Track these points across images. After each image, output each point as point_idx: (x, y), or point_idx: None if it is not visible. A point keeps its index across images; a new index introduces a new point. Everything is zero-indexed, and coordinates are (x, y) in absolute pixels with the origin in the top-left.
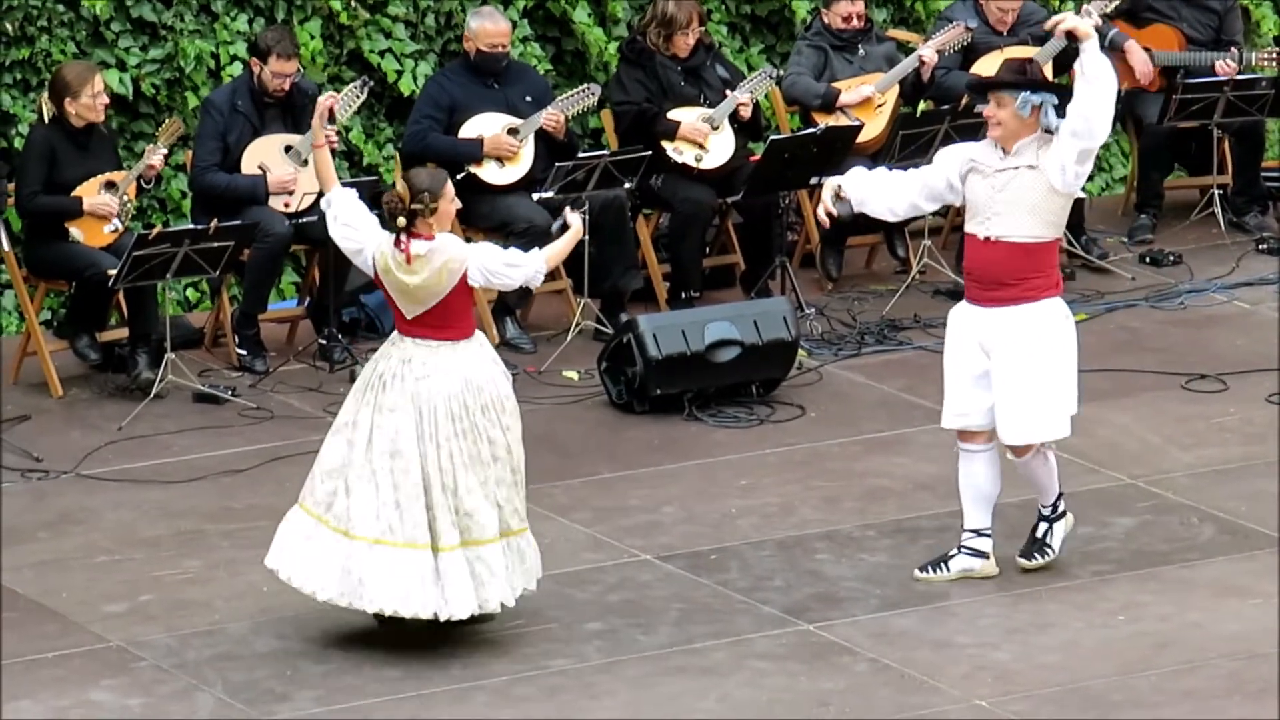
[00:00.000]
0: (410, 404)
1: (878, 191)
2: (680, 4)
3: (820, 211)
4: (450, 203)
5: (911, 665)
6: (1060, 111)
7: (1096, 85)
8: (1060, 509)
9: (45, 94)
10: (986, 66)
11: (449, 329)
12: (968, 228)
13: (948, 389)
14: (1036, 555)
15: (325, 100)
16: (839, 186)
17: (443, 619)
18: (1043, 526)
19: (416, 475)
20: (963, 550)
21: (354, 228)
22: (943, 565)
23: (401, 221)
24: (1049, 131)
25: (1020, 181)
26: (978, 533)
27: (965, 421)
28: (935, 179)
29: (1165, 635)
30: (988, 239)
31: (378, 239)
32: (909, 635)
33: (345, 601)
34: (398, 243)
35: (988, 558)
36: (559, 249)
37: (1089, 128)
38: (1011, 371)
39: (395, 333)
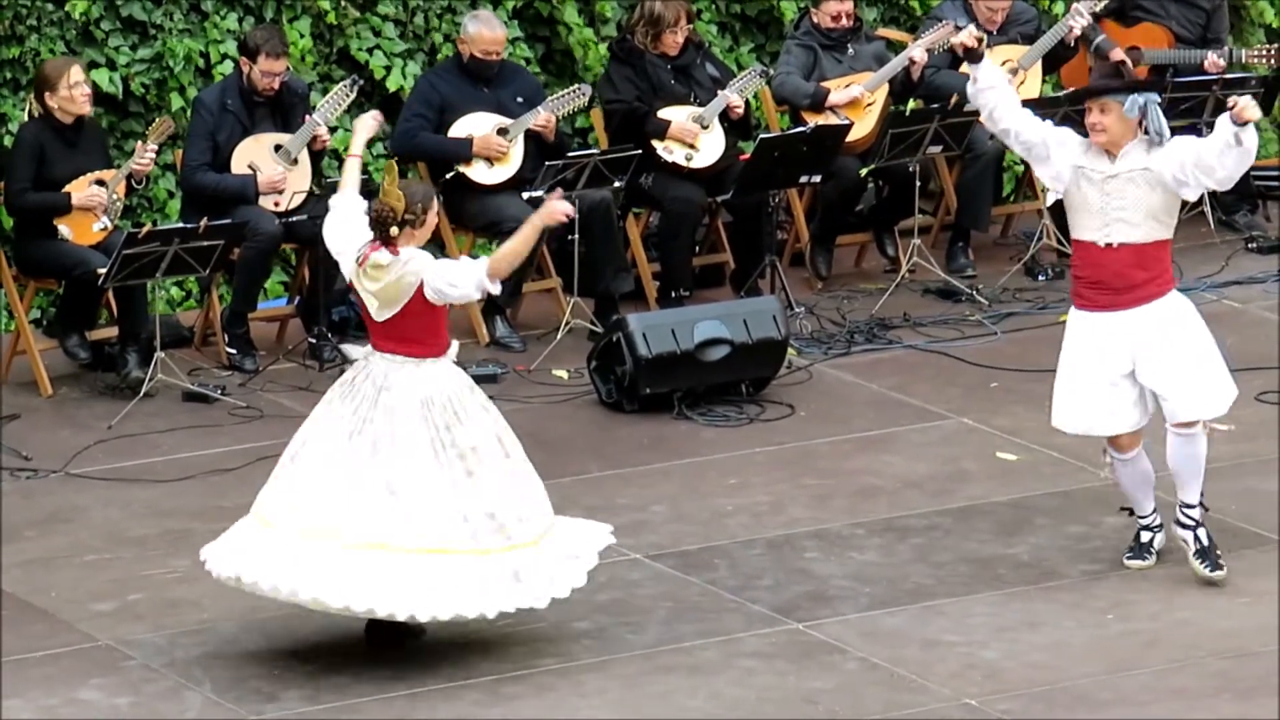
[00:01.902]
0: (369, 407)
1: (1009, 96)
2: (668, 3)
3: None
4: (434, 215)
5: (901, 664)
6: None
7: (1248, 158)
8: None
9: (32, 92)
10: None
11: (409, 344)
12: (1081, 235)
13: (1091, 399)
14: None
15: (370, 118)
16: (982, 41)
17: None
18: (1182, 533)
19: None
20: (1156, 530)
21: (337, 237)
22: (1148, 551)
23: (394, 231)
24: (1152, 134)
25: (1137, 187)
26: (1154, 512)
27: (1128, 424)
28: (1050, 142)
29: (1154, 634)
30: (1109, 245)
31: (357, 246)
32: (898, 634)
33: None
34: (362, 249)
35: (1163, 528)
36: (514, 248)
37: (1226, 181)
38: (1175, 354)
39: (367, 347)
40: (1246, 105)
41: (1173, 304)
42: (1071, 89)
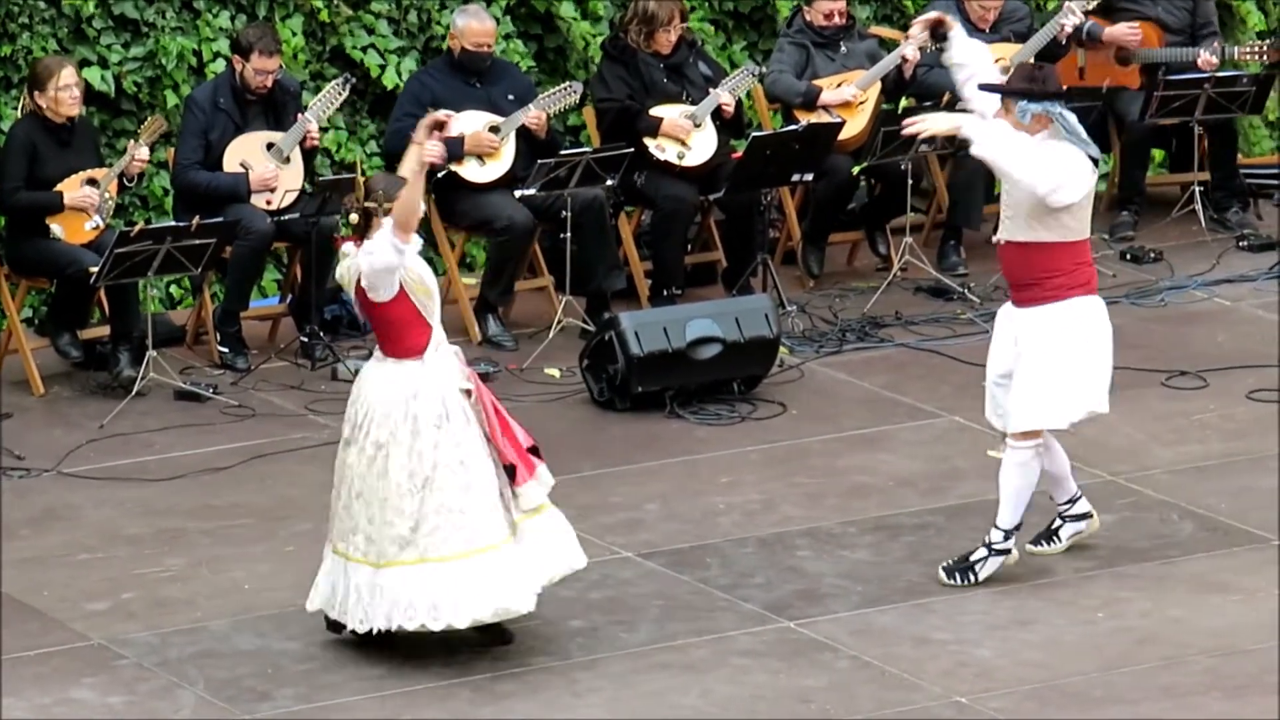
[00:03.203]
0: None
1: (984, 61)
2: (661, 1)
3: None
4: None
5: (892, 662)
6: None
7: (999, 164)
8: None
9: (25, 89)
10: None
11: (387, 343)
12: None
13: (988, 390)
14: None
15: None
16: (949, 24)
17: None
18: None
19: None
20: (1067, 519)
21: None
22: (1054, 537)
23: (355, 219)
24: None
25: (1016, 188)
26: (1072, 501)
27: (1001, 423)
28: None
29: (1145, 632)
30: (998, 242)
31: None
32: (890, 632)
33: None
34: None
35: (1091, 515)
36: (404, 199)
37: (1019, 189)
38: (1024, 364)
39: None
40: (914, 122)
41: (1056, 312)
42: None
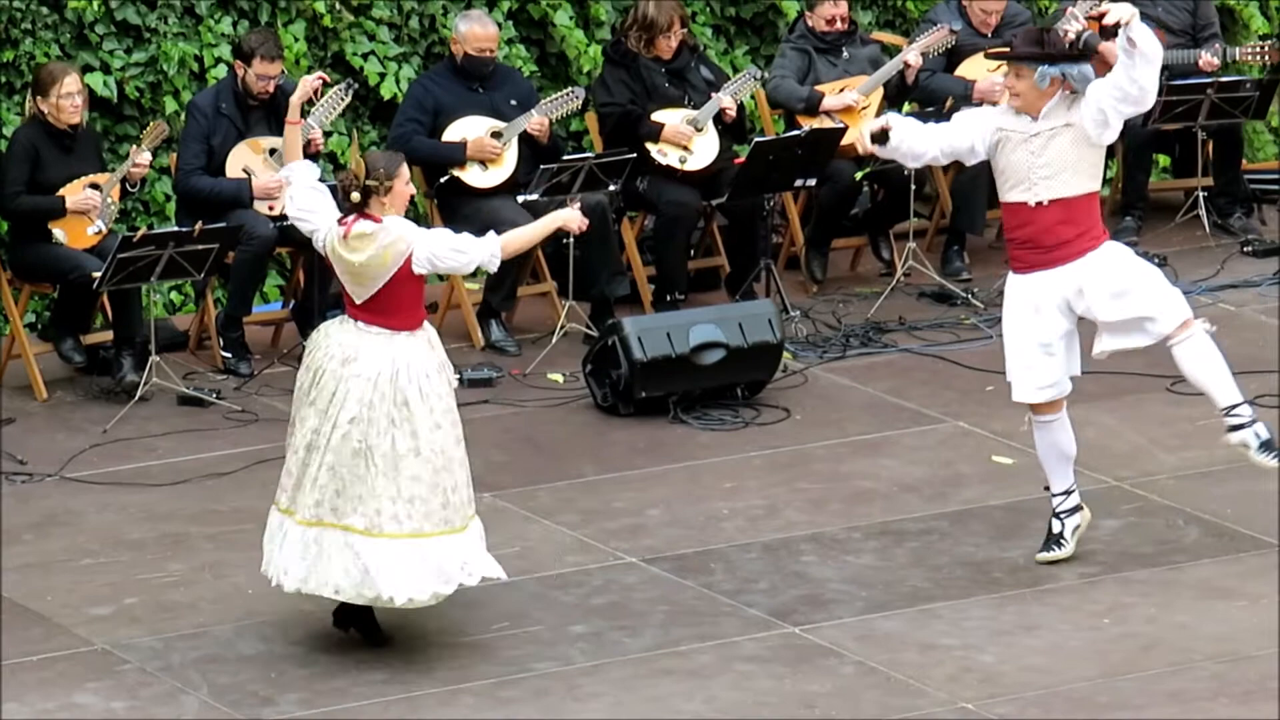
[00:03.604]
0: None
1: (911, 136)
2: (660, 6)
3: (865, 131)
4: (405, 185)
5: (897, 667)
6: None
7: (1151, 57)
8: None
9: (29, 92)
10: (971, 69)
11: (391, 317)
12: (1010, 197)
13: (1020, 363)
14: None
15: (312, 80)
16: (887, 123)
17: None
18: (1240, 435)
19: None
20: (1063, 515)
21: (310, 209)
22: (1060, 541)
23: (356, 197)
24: (1078, 89)
25: (1059, 142)
26: (1067, 493)
27: (1053, 392)
28: (958, 139)
29: (1151, 637)
30: (1039, 204)
31: (331, 220)
32: (894, 637)
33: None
34: (342, 220)
35: (1082, 508)
36: (526, 236)
37: (1144, 97)
38: (1129, 284)
39: (334, 320)
40: (1109, 9)
41: (1106, 252)
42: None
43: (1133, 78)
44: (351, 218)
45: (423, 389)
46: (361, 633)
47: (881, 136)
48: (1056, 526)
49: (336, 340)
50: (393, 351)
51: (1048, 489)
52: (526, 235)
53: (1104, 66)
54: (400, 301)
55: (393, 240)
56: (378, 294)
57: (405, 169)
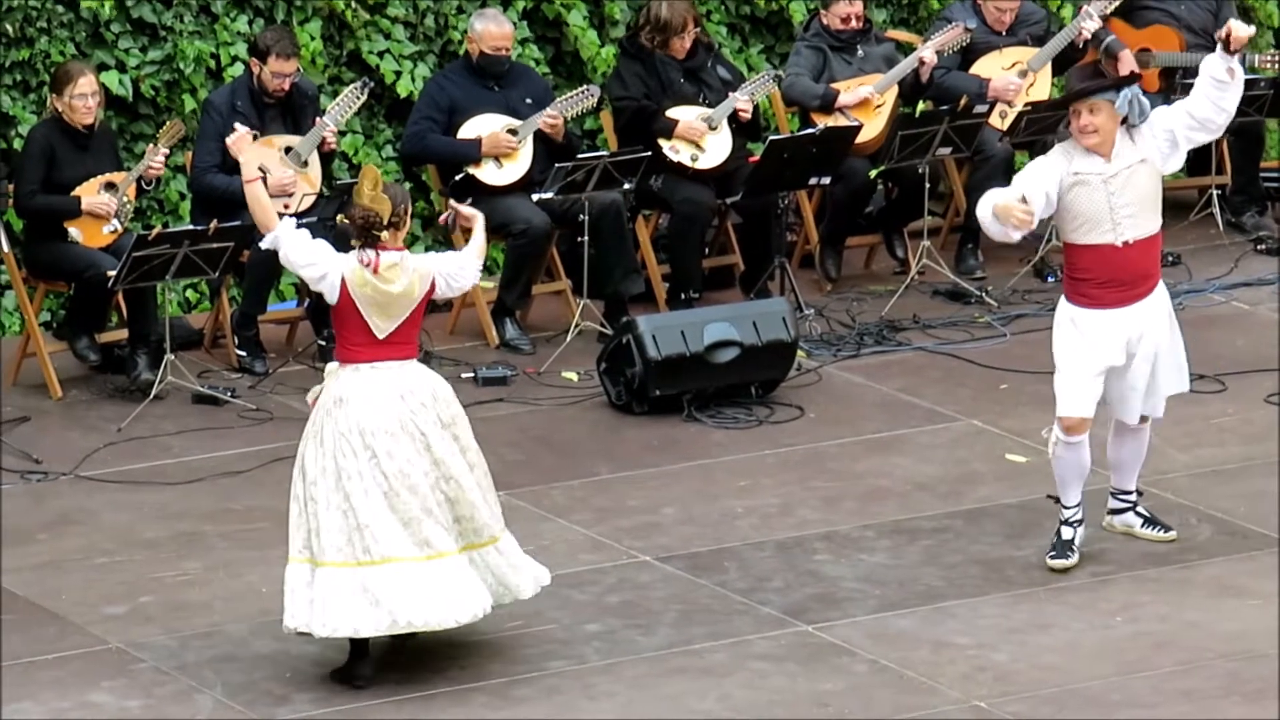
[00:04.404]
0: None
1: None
2: (673, 7)
3: (1021, 216)
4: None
5: (910, 666)
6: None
7: (1239, 91)
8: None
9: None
10: (986, 67)
11: (406, 346)
12: (1090, 239)
13: (1073, 384)
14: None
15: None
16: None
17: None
18: (1123, 518)
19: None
20: (1074, 525)
21: (311, 257)
22: (1070, 549)
23: (385, 235)
24: (1134, 121)
25: (1138, 179)
26: (1078, 506)
27: (1089, 411)
28: (1049, 194)
29: (1164, 636)
30: (1126, 244)
31: (338, 260)
32: (908, 636)
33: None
34: (363, 257)
35: (1082, 522)
36: (480, 243)
37: (1224, 124)
38: (1164, 352)
39: (333, 366)
40: (1236, 27)
41: (1162, 296)
42: (1039, 102)
43: (1221, 106)
44: (371, 253)
45: (440, 415)
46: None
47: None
48: (1068, 533)
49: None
50: (408, 381)
51: (1055, 500)
52: (481, 242)
53: (1118, 70)
54: (414, 329)
55: (418, 266)
56: (402, 324)
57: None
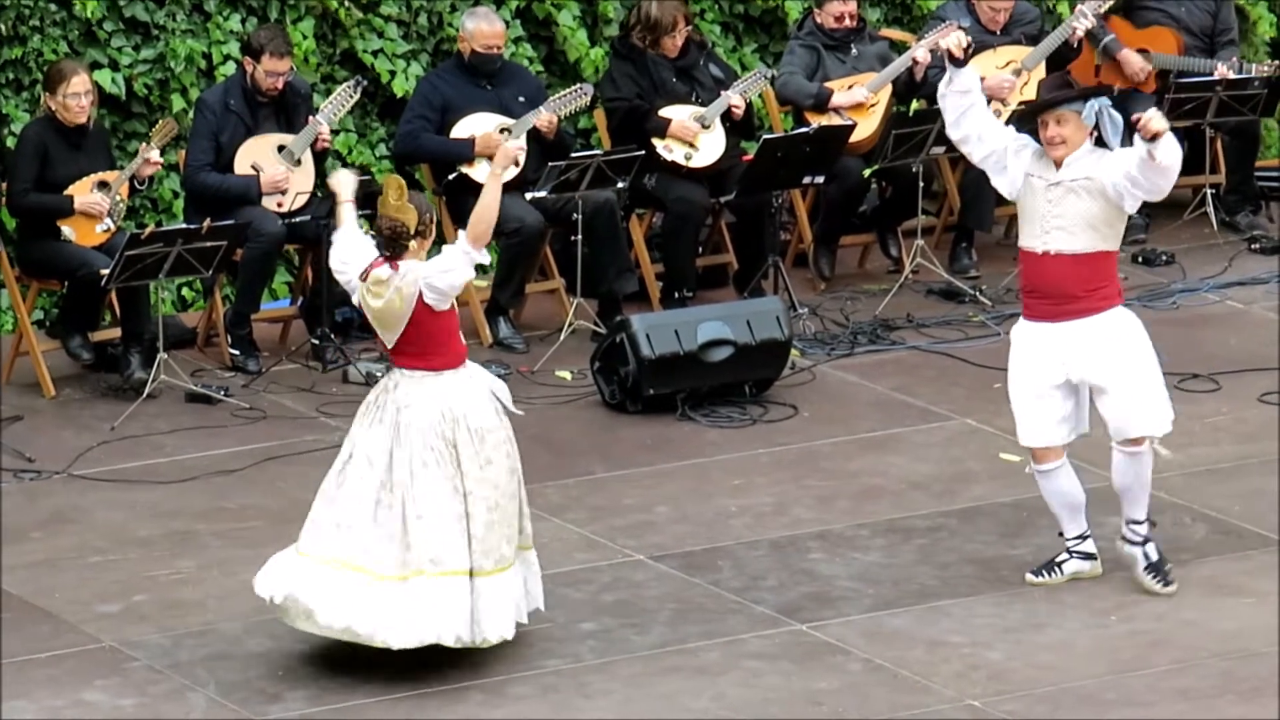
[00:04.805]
0: (389, 431)
1: (980, 104)
2: (663, 7)
3: (949, 42)
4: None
5: (905, 665)
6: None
7: (1170, 172)
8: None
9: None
10: (980, 66)
11: (428, 357)
12: (1022, 242)
13: (1018, 407)
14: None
15: (350, 175)
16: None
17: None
18: (1130, 550)
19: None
20: (1073, 555)
21: (345, 261)
22: (1055, 569)
23: (413, 245)
24: (1107, 137)
25: (1079, 197)
26: (1081, 537)
27: (1046, 439)
28: (1009, 149)
29: (1159, 634)
30: (1047, 253)
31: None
32: (902, 635)
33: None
34: (370, 265)
35: (1095, 559)
36: (480, 210)
37: (1156, 197)
38: (1112, 372)
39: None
40: (1152, 118)
41: (1116, 319)
42: (1028, 102)
43: (1150, 182)
44: (374, 261)
45: (470, 427)
46: None
47: (959, 60)
48: (1062, 558)
49: (399, 385)
50: (439, 392)
51: (1061, 534)
52: (483, 209)
53: (1118, 76)
54: (432, 338)
55: (405, 280)
56: (405, 336)
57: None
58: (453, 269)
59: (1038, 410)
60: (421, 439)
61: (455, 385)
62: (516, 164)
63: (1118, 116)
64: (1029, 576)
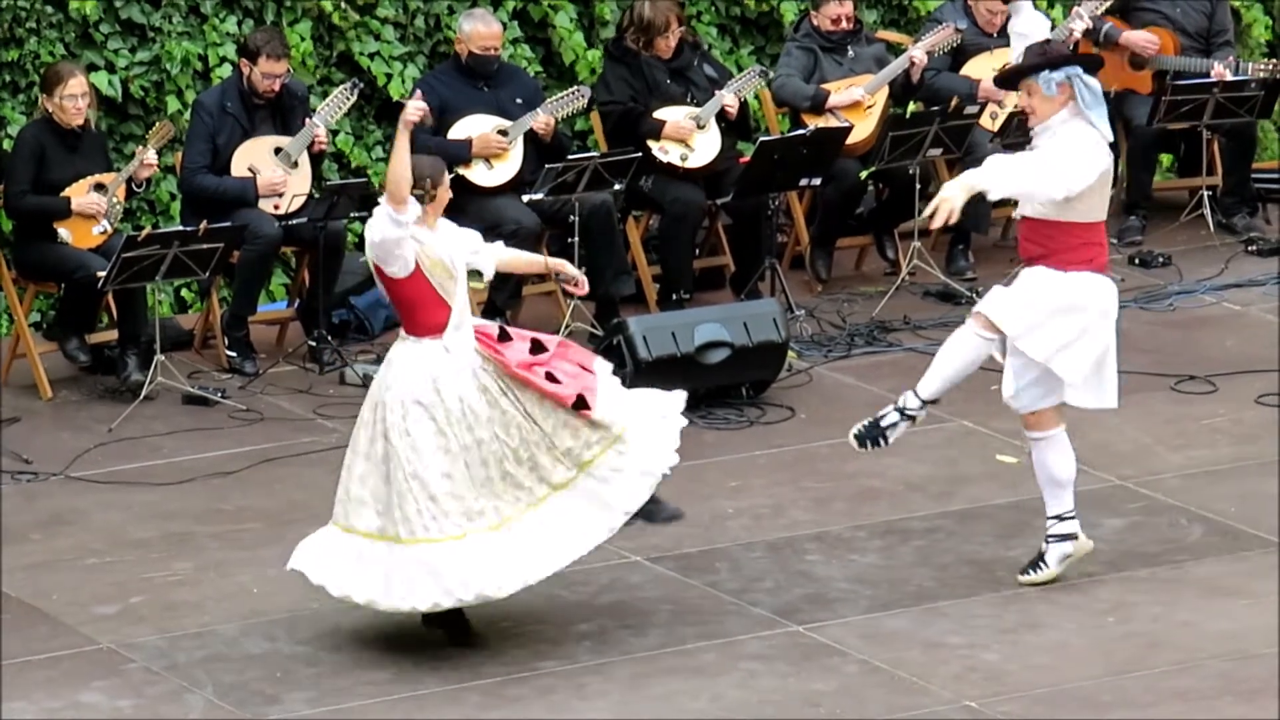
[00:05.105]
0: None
1: (1043, 33)
2: (656, 7)
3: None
4: (446, 191)
5: (902, 666)
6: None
7: (1030, 191)
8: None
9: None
10: (976, 68)
11: (406, 321)
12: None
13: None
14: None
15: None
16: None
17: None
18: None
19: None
20: (1050, 539)
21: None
22: (1040, 563)
23: (419, 209)
24: (1083, 110)
25: (1046, 200)
26: (1058, 518)
27: (1015, 404)
28: None
29: (1156, 636)
30: (1021, 217)
31: None
32: (899, 636)
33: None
34: None
35: (1076, 537)
36: (390, 169)
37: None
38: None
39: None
40: (938, 212)
41: (1047, 278)
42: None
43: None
44: None
45: (400, 398)
46: (450, 632)
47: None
48: (1043, 549)
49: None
50: (419, 358)
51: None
52: (392, 166)
53: (1119, 74)
54: (404, 305)
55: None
56: (391, 297)
57: (446, 175)
58: (371, 224)
59: (1010, 369)
60: (396, 400)
61: (419, 355)
62: (425, 122)
63: (1094, 83)
64: (1019, 577)
